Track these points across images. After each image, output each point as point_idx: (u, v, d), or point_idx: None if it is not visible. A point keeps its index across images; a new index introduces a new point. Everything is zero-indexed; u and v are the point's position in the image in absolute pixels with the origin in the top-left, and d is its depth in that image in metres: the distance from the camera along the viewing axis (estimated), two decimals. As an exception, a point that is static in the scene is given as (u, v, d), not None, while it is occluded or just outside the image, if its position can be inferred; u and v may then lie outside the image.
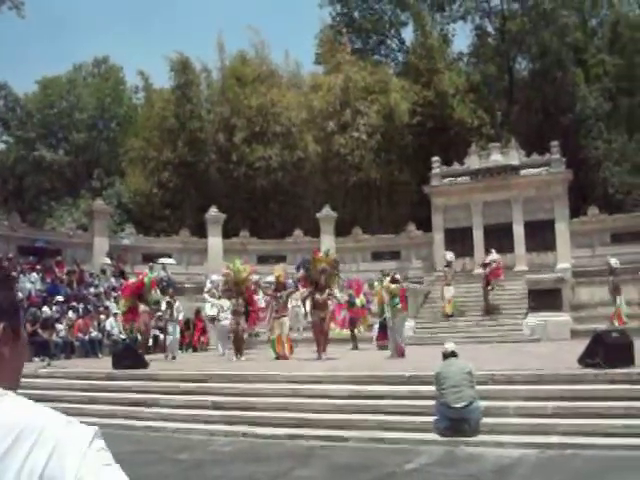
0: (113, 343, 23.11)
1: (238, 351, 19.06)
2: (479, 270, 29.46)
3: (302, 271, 18.74)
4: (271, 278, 21.75)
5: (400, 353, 17.07)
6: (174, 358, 20.14)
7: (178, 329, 22.14)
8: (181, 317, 23.05)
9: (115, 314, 25.28)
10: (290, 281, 22.29)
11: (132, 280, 21.17)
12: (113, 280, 28.91)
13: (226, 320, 20.44)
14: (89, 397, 13.89)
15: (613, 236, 31.20)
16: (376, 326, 22.51)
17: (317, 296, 17.84)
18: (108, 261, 29.93)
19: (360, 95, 41.13)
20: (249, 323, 22.25)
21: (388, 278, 18.85)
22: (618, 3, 48.15)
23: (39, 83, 53.24)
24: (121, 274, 29.66)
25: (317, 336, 18.05)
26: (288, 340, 19.06)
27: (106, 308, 25.76)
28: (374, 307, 23.41)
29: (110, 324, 24.56)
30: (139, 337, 21.45)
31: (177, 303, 21.81)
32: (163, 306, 21.39)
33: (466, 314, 27.34)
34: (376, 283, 24.21)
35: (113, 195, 43.42)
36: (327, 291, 18.07)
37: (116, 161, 47.90)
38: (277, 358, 18.18)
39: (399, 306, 17.80)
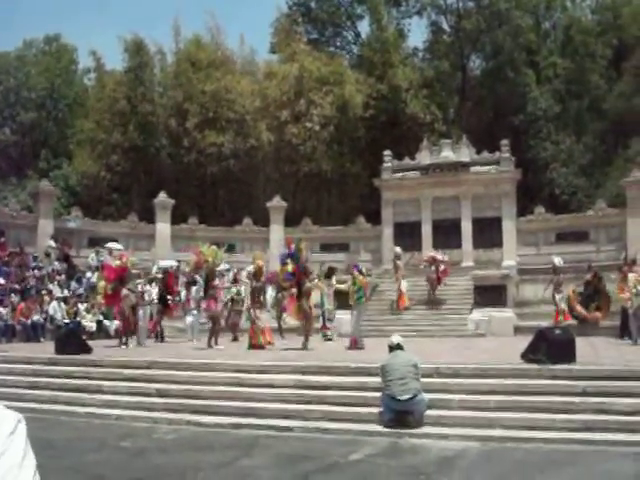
0: (56, 328, 22.69)
1: (215, 338, 18.66)
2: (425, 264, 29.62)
3: (290, 263, 18.28)
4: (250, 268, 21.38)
5: (355, 344, 17.24)
6: (139, 344, 19.68)
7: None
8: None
9: (58, 298, 24.87)
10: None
11: (116, 263, 20.64)
12: (57, 263, 28.38)
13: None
14: (30, 382, 13.63)
15: (558, 235, 31.85)
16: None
17: (308, 284, 17.80)
18: (53, 244, 29.30)
19: (314, 86, 41.03)
20: (168, 313, 22.07)
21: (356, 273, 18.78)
22: (571, 7, 49.10)
23: (-14, 59, 51.76)
24: (66, 258, 29.13)
25: (308, 326, 17.89)
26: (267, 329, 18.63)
27: (50, 292, 25.27)
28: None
29: (53, 308, 24.11)
30: (117, 322, 21.17)
31: (147, 287, 21.50)
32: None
33: (413, 308, 27.57)
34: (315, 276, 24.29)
35: (60, 177, 42.55)
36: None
37: (64, 142, 46.95)
38: (261, 347, 17.58)
39: (363, 299, 17.98)
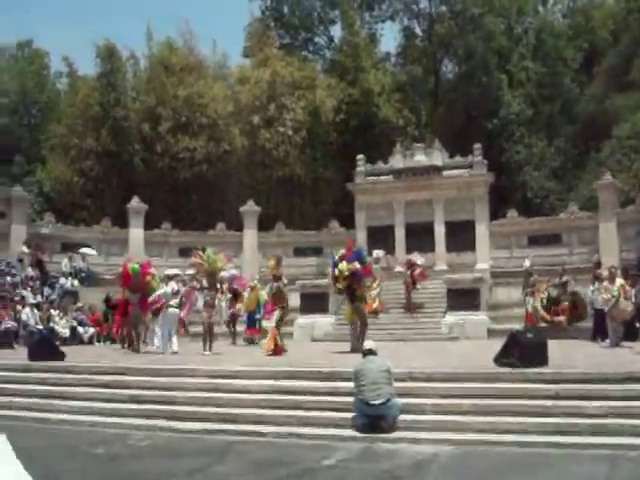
0: (29, 334, 22.50)
1: (209, 344, 18.21)
2: (400, 268, 29.72)
3: (358, 264, 17.83)
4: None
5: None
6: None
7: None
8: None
9: (31, 304, 24.69)
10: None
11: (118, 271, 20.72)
12: (30, 269, 28.15)
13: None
14: (2, 389, 13.48)
15: (530, 238, 32.18)
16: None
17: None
18: (26, 250, 29.11)
19: (287, 90, 41.06)
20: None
21: None
22: (543, 11, 49.57)
23: (-43, 64, 51.16)
24: (39, 264, 28.90)
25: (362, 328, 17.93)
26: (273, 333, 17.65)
27: (22, 298, 25.06)
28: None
29: (26, 314, 23.91)
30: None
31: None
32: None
33: (387, 311, 27.60)
34: (256, 282, 24.57)
35: (33, 182, 42.19)
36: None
37: (37, 148, 46.53)
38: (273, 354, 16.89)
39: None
